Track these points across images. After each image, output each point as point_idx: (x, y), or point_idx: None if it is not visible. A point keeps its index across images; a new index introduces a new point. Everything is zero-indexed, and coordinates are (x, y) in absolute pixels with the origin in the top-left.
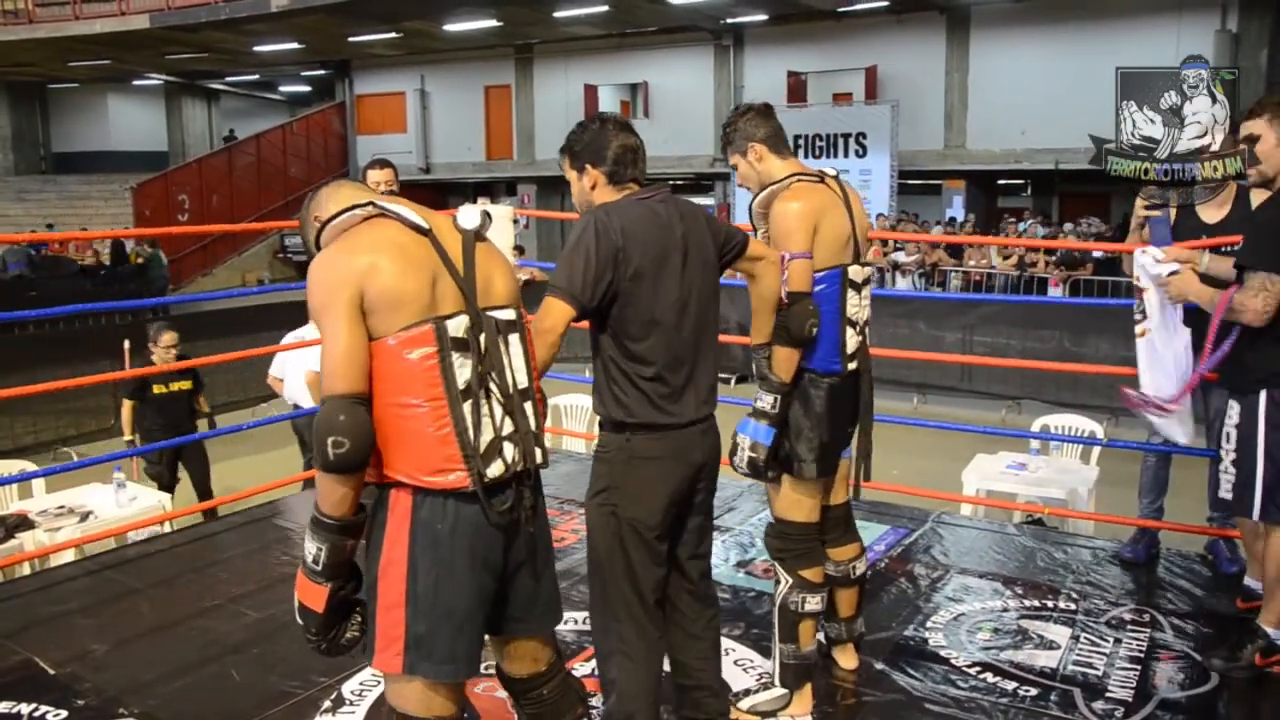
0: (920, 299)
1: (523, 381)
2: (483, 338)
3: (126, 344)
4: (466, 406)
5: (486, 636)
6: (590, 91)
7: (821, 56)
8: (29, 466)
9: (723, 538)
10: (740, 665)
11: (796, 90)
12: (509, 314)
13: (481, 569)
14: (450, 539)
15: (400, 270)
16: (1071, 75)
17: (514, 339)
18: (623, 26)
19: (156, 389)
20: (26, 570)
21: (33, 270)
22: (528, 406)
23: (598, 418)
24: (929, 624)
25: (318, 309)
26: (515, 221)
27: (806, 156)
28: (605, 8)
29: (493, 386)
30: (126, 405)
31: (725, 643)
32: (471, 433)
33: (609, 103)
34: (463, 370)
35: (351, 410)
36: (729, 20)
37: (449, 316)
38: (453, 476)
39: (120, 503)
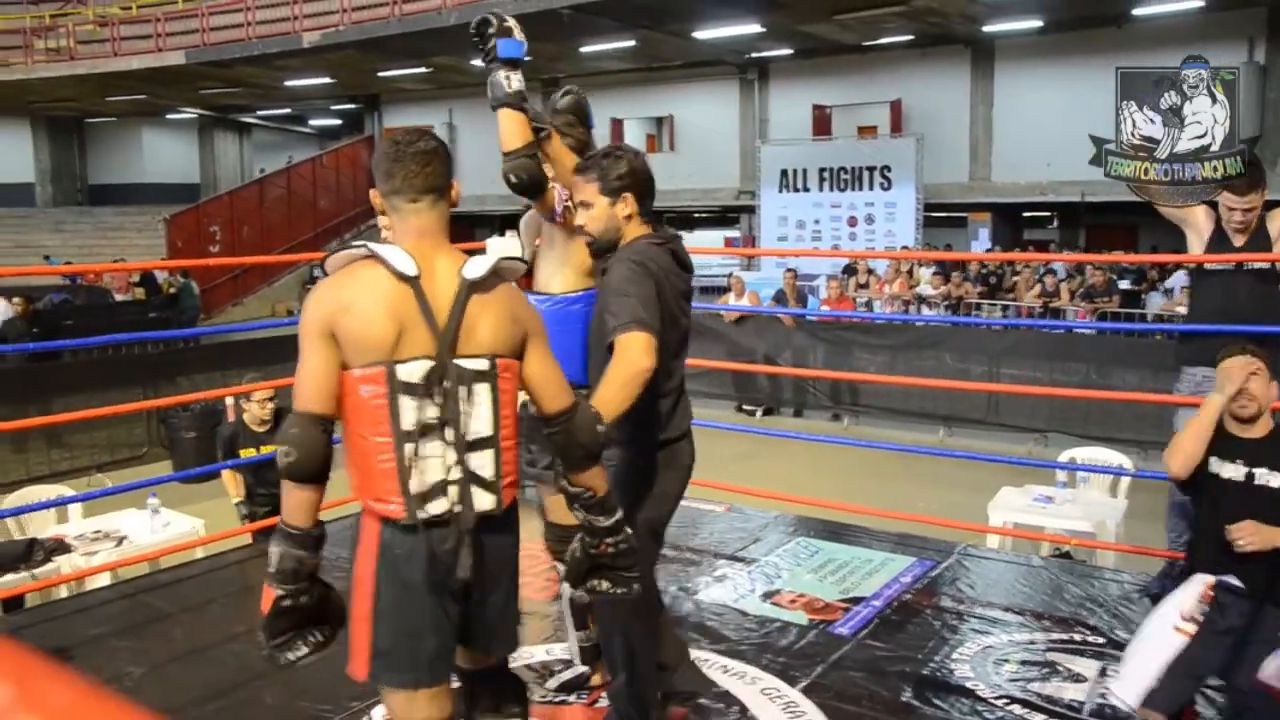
0: (947, 325)
1: (483, 430)
2: (446, 384)
3: (230, 401)
4: (408, 447)
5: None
6: (616, 125)
7: (846, 90)
8: (66, 491)
9: (749, 569)
10: (767, 694)
11: (821, 123)
12: (481, 364)
13: (441, 590)
14: (408, 562)
15: (370, 315)
16: (1096, 108)
17: (481, 388)
18: (649, 61)
19: (244, 452)
20: (64, 593)
21: (73, 298)
22: (483, 455)
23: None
24: (955, 655)
25: (300, 333)
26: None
27: (831, 190)
28: (632, 43)
29: (448, 432)
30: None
31: (754, 671)
32: (413, 471)
33: (635, 136)
34: (410, 413)
35: (306, 426)
36: (754, 55)
37: (405, 361)
38: (391, 507)
39: (154, 528)
